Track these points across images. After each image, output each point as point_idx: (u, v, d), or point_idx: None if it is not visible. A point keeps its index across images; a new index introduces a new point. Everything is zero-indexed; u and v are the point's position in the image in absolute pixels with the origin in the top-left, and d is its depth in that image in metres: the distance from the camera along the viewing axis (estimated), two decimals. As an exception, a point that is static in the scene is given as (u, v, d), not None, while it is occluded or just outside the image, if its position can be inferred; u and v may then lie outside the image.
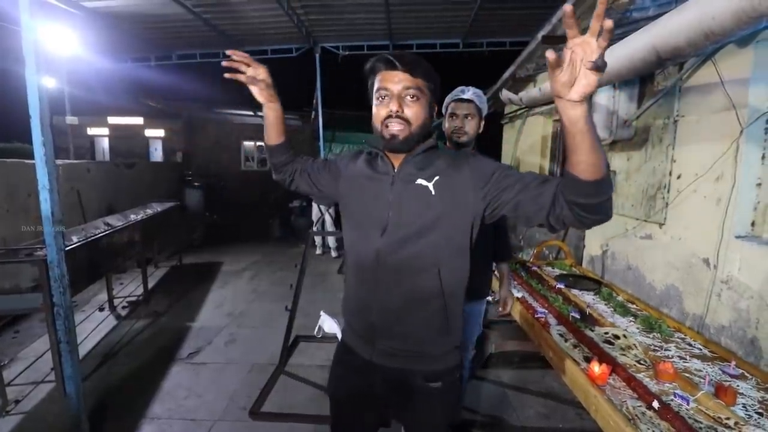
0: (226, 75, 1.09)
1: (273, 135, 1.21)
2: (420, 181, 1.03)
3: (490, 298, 2.56)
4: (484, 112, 1.69)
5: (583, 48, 0.67)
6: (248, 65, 1.09)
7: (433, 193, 1.01)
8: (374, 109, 1.05)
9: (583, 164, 0.75)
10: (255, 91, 1.12)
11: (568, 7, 0.64)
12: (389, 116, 1.00)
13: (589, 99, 0.71)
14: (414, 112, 1.01)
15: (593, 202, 0.79)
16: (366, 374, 1.11)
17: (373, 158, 1.13)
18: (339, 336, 1.29)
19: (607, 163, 0.77)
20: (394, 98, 1.00)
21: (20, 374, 2.67)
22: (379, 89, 1.02)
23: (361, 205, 1.11)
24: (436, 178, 1.02)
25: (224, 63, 1.08)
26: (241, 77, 1.10)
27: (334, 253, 6.03)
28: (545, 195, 0.86)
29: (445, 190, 1.01)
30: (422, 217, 1.01)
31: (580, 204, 0.79)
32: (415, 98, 1.00)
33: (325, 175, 1.22)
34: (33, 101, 1.65)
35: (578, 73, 0.68)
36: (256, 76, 1.10)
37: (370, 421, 1.19)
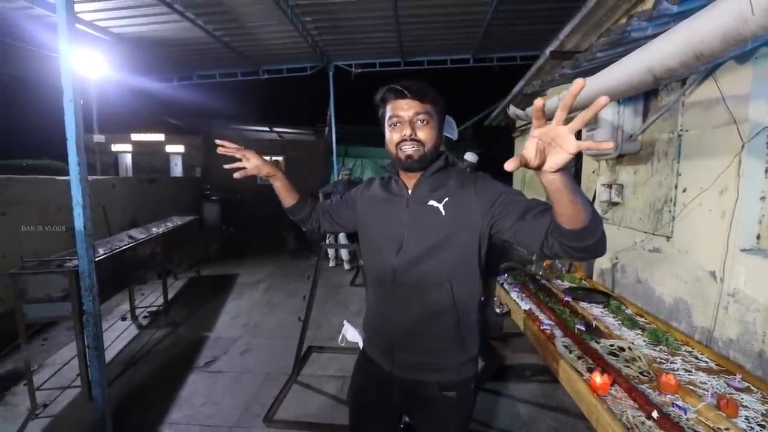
0: (236, 175, 1.28)
1: (286, 199, 1.36)
2: (431, 202, 1.10)
3: (498, 310, 2.59)
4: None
5: (550, 134, 0.71)
6: (240, 154, 1.27)
7: (443, 213, 1.08)
8: (388, 135, 1.13)
9: (564, 216, 0.81)
10: (255, 172, 1.28)
11: (539, 102, 0.70)
12: (403, 140, 1.08)
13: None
14: (425, 133, 1.09)
15: (579, 246, 0.84)
16: (385, 385, 1.18)
17: (388, 182, 1.23)
18: (360, 345, 1.35)
19: (591, 213, 0.81)
20: (407, 123, 1.08)
21: (48, 380, 2.81)
22: (391, 117, 1.10)
23: (377, 226, 1.19)
24: (446, 199, 1.09)
25: (220, 150, 1.29)
26: (243, 170, 1.28)
27: (347, 266, 6.11)
28: (540, 228, 0.91)
29: (453, 211, 1.08)
30: (434, 236, 1.08)
31: (567, 245, 0.85)
32: (425, 122, 1.09)
33: (344, 209, 1.34)
34: (69, 125, 1.80)
35: (549, 152, 0.72)
36: (249, 163, 1.27)
37: (386, 429, 1.25)
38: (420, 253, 1.09)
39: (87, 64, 5.37)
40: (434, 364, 1.12)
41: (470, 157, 4.21)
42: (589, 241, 0.83)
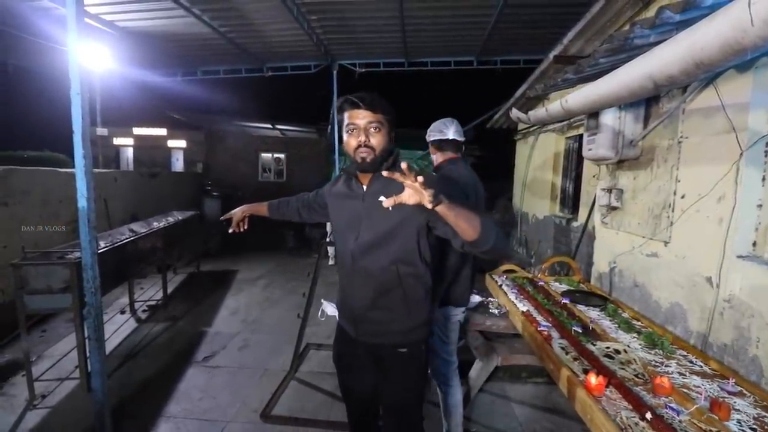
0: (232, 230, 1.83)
1: (265, 214, 1.83)
2: (382, 198, 1.25)
3: (497, 311, 2.61)
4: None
5: (413, 190, 1.02)
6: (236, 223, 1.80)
7: (390, 209, 1.24)
8: (345, 139, 1.34)
9: (459, 229, 1.08)
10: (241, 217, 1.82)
11: (404, 165, 1.00)
12: (359, 146, 1.29)
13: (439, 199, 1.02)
14: (377, 140, 1.30)
15: (477, 250, 1.13)
16: (354, 348, 1.47)
17: (348, 180, 1.45)
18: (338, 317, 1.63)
19: (479, 228, 1.07)
20: (361, 130, 1.29)
21: (47, 371, 2.83)
22: (348, 124, 1.31)
23: (341, 218, 1.44)
24: (394, 196, 1.25)
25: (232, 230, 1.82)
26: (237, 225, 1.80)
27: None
28: (447, 230, 1.17)
29: (399, 207, 1.21)
30: (383, 227, 1.32)
31: (470, 249, 1.15)
32: (377, 129, 1.30)
33: (320, 201, 1.68)
34: (76, 118, 1.82)
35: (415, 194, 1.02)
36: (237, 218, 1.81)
37: (363, 384, 1.53)
38: (372, 241, 1.33)
39: (92, 58, 5.38)
40: (387, 330, 1.38)
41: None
42: (483, 247, 1.11)
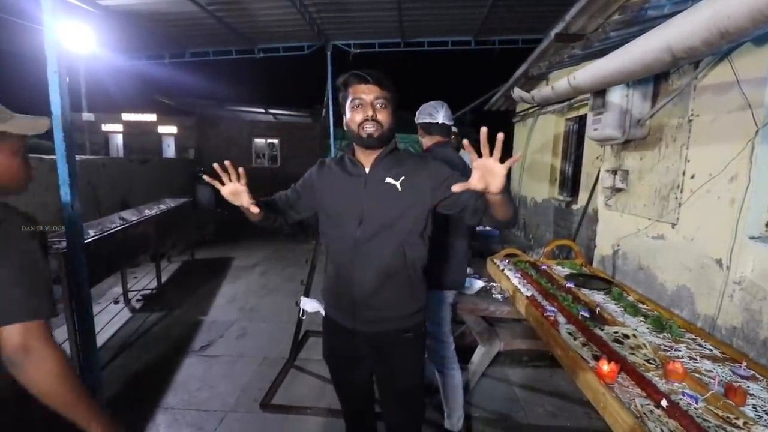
0: (222, 190, 1.25)
1: (255, 218, 1.34)
2: (389, 179, 1.28)
3: (500, 296, 2.57)
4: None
5: (488, 167, 0.97)
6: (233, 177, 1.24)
7: (400, 190, 1.27)
8: (349, 115, 1.27)
9: (500, 215, 1.12)
10: (232, 198, 1.26)
11: (483, 132, 0.95)
12: (365, 120, 1.23)
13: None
14: (384, 116, 1.25)
15: (502, 225, 1.22)
16: (350, 340, 1.38)
17: (342, 162, 1.37)
18: (322, 312, 1.51)
19: (513, 208, 1.13)
20: (368, 105, 1.23)
21: (40, 363, 2.76)
22: (354, 99, 1.25)
23: (337, 203, 1.34)
24: (402, 178, 1.28)
25: (216, 166, 1.26)
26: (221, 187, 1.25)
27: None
28: (480, 208, 1.18)
29: (409, 188, 1.27)
30: (393, 209, 1.27)
31: (494, 225, 1.23)
32: (384, 105, 1.25)
33: (304, 196, 1.43)
34: (54, 99, 1.70)
35: (489, 181, 0.98)
36: (231, 187, 1.24)
37: (359, 376, 1.47)
38: (381, 224, 1.27)
39: (74, 39, 5.17)
40: (392, 316, 1.33)
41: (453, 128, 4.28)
42: (510, 224, 1.19)
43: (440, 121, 1.98)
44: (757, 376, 1.49)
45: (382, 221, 1.27)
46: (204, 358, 2.98)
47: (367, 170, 1.31)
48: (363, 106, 1.24)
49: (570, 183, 4.89)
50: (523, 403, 2.49)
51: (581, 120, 4.50)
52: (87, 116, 7.10)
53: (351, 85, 1.26)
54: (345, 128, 1.34)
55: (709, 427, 1.17)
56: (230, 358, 2.99)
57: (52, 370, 0.85)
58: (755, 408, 1.30)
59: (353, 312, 1.34)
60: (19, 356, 0.83)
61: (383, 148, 1.30)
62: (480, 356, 2.44)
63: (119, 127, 11.27)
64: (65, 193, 1.72)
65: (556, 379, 2.70)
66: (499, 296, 2.53)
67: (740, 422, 1.20)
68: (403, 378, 1.42)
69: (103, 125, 10.91)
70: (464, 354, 2.22)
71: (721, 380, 1.41)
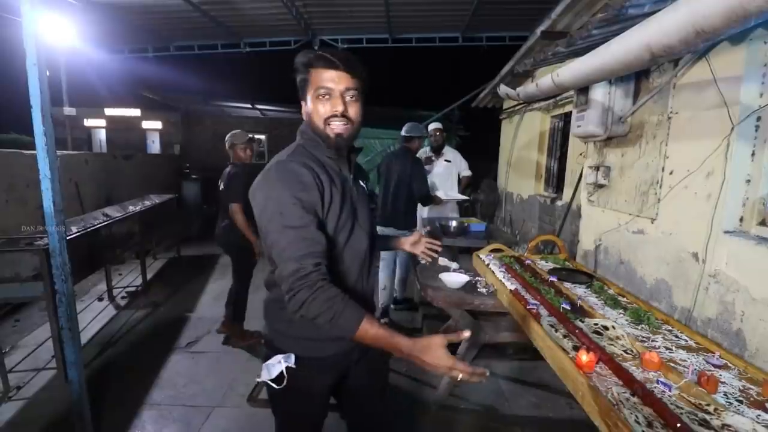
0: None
1: None
2: (361, 182, 1.24)
3: (485, 290, 2.60)
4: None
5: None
6: None
7: (366, 191, 1.26)
8: (311, 106, 1.07)
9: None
10: None
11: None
12: (334, 115, 1.04)
13: None
14: (355, 111, 1.07)
15: None
16: (341, 369, 1.23)
17: (321, 167, 1.08)
18: (292, 363, 1.13)
19: None
20: (338, 98, 1.04)
21: (21, 361, 2.71)
22: (320, 87, 1.03)
23: (343, 209, 1.10)
24: (362, 181, 1.26)
25: None
26: None
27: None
28: None
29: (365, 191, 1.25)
30: (370, 210, 1.22)
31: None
32: (355, 98, 1.06)
33: (322, 227, 1.05)
34: (34, 91, 1.66)
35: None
36: None
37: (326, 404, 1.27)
38: (372, 225, 1.24)
39: (54, 31, 5.03)
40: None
41: (434, 125, 4.48)
42: None
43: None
44: (729, 365, 1.55)
45: (372, 224, 1.23)
46: (190, 355, 2.96)
47: (350, 172, 1.19)
48: (331, 98, 1.04)
49: (555, 179, 4.96)
50: (507, 395, 2.54)
51: (566, 117, 4.57)
52: (68, 111, 6.93)
53: (315, 69, 1.04)
54: (304, 118, 1.14)
55: (681, 413, 1.22)
56: (217, 354, 2.98)
57: None
58: (726, 395, 1.35)
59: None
60: None
61: (352, 151, 1.18)
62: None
63: (102, 122, 11.00)
64: (46, 187, 1.69)
65: (540, 371, 2.76)
66: (484, 290, 2.56)
67: (711, 408, 1.24)
68: (382, 369, 1.38)
69: (85, 120, 10.64)
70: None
71: (695, 369, 1.46)
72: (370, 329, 0.89)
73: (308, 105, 1.08)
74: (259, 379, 1.15)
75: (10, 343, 3.04)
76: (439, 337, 0.83)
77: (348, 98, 1.05)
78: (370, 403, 1.34)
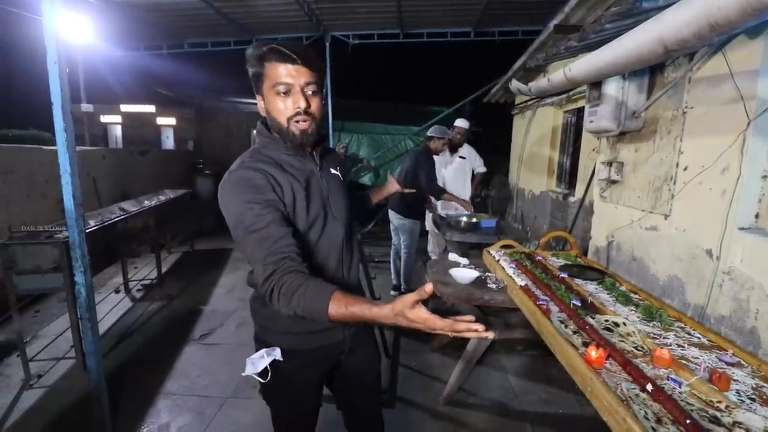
0: None
1: None
2: (333, 171, 1.22)
3: (494, 285, 2.60)
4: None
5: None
6: None
7: (342, 179, 1.25)
8: (270, 103, 1.04)
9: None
10: None
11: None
12: (297, 113, 1.02)
13: None
14: (316, 106, 1.05)
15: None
16: (333, 359, 1.27)
17: (277, 167, 1.07)
18: (278, 356, 1.16)
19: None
20: (299, 93, 1.01)
21: (42, 351, 2.81)
22: (279, 83, 1.01)
23: (316, 203, 1.11)
24: (338, 167, 1.26)
25: None
26: None
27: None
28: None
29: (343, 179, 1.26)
30: (346, 199, 1.22)
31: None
32: (315, 92, 1.04)
33: (289, 220, 1.05)
34: (54, 89, 1.71)
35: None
36: None
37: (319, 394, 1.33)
38: (349, 214, 1.23)
39: (72, 29, 5.14)
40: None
41: (461, 123, 4.42)
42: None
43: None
44: (743, 362, 1.53)
45: (349, 212, 1.23)
46: (204, 346, 3.02)
47: (318, 163, 1.18)
48: (292, 94, 1.01)
49: (567, 175, 4.91)
50: (517, 391, 2.55)
51: (579, 112, 4.51)
52: (86, 107, 7.07)
53: (270, 62, 1.00)
54: (262, 114, 1.11)
55: (692, 410, 1.21)
56: (230, 346, 3.04)
57: None
58: (738, 393, 1.33)
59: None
60: None
61: (320, 144, 1.18)
62: (475, 345, 2.48)
63: (118, 119, 11.23)
64: (67, 182, 1.74)
65: (550, 367, 2.75)
66: (493, 286, 2.56)
67: (722, 405, 1.23)
68: (375, 361, 1.37)
69: (102, 117, 10.87)
70: (459, 342, 2.26)
71: (707, 366, 1.45)
72: (341, 305, 0.85)
73: (266, 101, 1.06)
74: (244, 374, 1.16)
75: (30, 333, 3.15)
76: (410, 295, 0.79)
77: (309, 93, 1.03)
78: (362, 394, 1.37)
